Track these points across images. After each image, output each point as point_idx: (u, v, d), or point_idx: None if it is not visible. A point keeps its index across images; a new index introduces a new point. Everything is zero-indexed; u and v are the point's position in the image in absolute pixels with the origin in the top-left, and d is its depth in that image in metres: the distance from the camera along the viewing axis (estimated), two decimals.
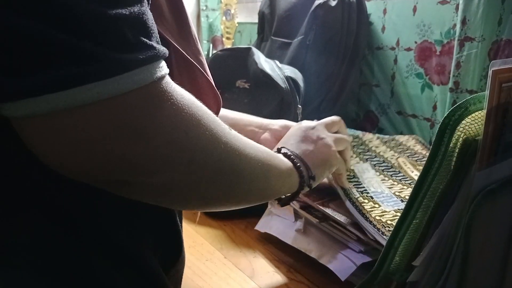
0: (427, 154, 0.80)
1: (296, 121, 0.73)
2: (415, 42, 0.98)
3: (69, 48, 0.28)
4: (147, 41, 0.31)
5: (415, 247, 0.45)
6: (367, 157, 0.76)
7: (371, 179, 0.69)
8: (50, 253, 0.35)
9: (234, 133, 0.40)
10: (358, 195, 0.63)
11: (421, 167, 0.75)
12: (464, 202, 0.41)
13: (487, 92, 0.37)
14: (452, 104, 0.85)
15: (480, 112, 0.40)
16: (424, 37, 0.96)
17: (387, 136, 0.86)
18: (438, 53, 0.93)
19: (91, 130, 0.30)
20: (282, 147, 0.55)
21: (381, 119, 1.09)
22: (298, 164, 0.52)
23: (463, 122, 0.39)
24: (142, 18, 0.31)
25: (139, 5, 0.31)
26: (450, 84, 0.85)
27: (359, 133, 0.83)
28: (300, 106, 0.88)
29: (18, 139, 0.31)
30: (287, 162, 0.51)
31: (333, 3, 0.96)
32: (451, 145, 0.40)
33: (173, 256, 0.48)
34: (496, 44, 0.80)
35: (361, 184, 0.67)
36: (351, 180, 0.67)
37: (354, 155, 0.75)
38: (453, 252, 0.41)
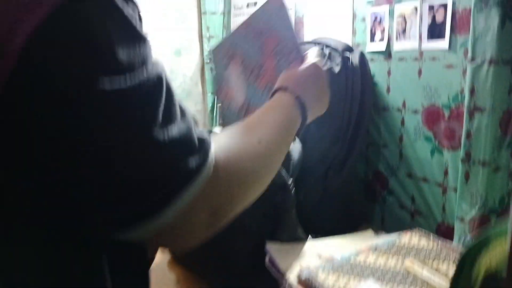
0: (434, 248, 0.76)
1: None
2: (422, 105, 0.95)
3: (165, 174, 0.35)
4: (201, 137, 0.38)
5: None
6: (367, 273, 0.69)
7: None
8: (45, 262, 0.35)
9: (258, 140, 0.47)
10: None
11: (429, 265, 0.70)
12: None
13: (509, 228, 0.34)
14: (465, 177, 0.81)
15: (501, 245, 0.37)
16: (431, 100, 0.93)
17: (386, 242, 0.79)
18: (446, 118, 0.90)
19: (192, 222, 0.38)
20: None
21: (391, 181, 1.06)
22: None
23: (484, 258, 0.36)
24: (190, 132, 0.37)
25: (184, 118, 0.38)
26: (462, 155, 0.81)
27: (351, 257, 0.75)
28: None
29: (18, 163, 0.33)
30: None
31: (337, 69, 0.95)
32: (471, 281, 0.37)
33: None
34: (507, 114, 0.77)
35: None
36: None
37: (352, 277, 0.68)
38: None
